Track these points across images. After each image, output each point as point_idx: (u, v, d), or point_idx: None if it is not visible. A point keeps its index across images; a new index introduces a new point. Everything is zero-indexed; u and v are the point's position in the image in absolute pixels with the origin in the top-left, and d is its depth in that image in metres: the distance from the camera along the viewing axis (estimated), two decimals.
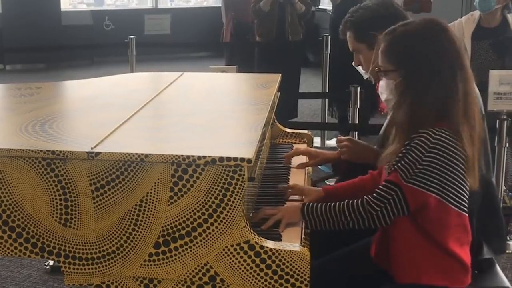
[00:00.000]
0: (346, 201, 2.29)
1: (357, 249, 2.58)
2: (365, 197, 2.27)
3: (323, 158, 3.07)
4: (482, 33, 4.97)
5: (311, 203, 2.35)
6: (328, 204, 2.32)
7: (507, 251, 4.45)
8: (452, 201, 2.24)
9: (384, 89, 2.49)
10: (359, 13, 2.85)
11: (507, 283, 2.55)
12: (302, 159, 3.10)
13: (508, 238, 4.47)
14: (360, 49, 2.85)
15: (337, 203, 2.30)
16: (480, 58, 4.94)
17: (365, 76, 2.93)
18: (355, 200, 2.27)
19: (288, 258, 2.11)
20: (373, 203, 2.24)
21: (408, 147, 2.22)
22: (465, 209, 2.28)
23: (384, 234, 2.38)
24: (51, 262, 4.01)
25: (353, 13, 2.86)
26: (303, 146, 3.37)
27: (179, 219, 2.13)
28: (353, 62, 2.94)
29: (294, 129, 3.55)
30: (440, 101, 2.24)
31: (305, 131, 3.52)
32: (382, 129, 2.78)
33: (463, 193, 2.26)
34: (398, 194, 2.21)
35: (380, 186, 2.26)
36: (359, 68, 2.95)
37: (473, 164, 2.26)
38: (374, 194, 2.25)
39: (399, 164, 2.22)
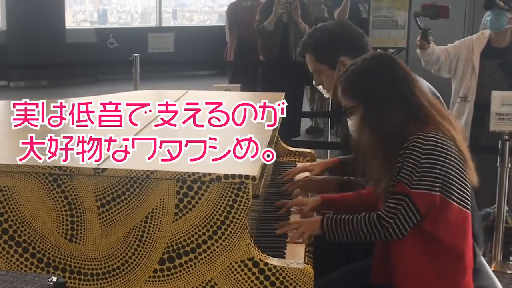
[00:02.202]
0: (363, 214, 2.32)
1: (360, 267, 2.59)
2: (378, 211, 2.29)
3: (321, 166, 3.11)
4: (491, 52, 4.94)
5: (330, 215, 2.38)
6: (347, 216, 2.34)
7: (508, 271, 4.45)
8: (453, 197, 2.28)
9: (355, 127, 2.52)
10: (317, 35, 2.90)
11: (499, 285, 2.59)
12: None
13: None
14: (322, 69, 2.91)
15: (355, 216, 2.33)
16: (488, 78, 4.91)
17: (326, 95, 2.99)
18: (372, 214, 2.30)
19: (292, 275, 2.12)
20: (386, 216, 2.26)
21: (404, 155, 2.27)
22: (468, 205, 2.32)
23: (382, 247, 2.39)
24: (54, 278, 4.01)
25: (311, 35, 2.93)
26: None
27: (184, 236, 2.15)
28: (313, 81, 3.02)
29: (297, 147, 3.58)
30: (412, 113, 2.32)
31: (309, 150, 3.54)
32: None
33: (465, 189, 2.31)
34: (407, 202, 2.24)
35: (388, 200, 2.29)
36: (320, 88, 3.00)
37: (468, 159, 2.33)
38: (385, 207, 2.28)
39: (401, 174, 2.26)
